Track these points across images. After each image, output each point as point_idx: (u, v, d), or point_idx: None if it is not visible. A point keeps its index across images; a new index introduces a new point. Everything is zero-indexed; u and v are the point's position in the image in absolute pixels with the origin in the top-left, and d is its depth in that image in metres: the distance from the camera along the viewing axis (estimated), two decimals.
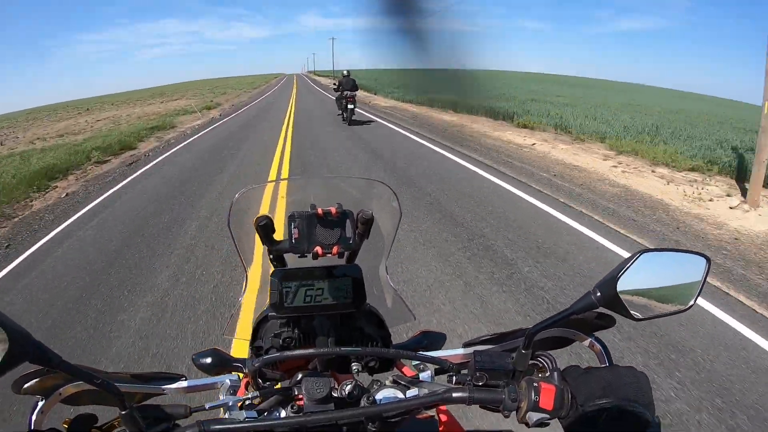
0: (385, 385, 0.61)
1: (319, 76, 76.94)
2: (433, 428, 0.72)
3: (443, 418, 0.75)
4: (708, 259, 0.59)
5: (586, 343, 0.67)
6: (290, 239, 0.69)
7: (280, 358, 0.57)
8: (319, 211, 0.68)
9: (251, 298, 0.84)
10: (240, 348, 1.96)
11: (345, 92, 11.85)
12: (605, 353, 0.64)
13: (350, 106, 11.75)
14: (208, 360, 0.68)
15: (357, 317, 0.74)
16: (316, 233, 0.69)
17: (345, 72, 12.32)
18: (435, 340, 0.74)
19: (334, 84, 13.55)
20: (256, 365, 0.55)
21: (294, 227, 0.68)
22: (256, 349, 0.71)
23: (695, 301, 0.58)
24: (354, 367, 0.67)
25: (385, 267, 0.81)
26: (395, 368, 0.73)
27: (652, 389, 0.55)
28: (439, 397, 0.55)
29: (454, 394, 0.54)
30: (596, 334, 0.67)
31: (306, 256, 0.70)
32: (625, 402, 0.53)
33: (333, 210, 0.69)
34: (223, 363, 0.68)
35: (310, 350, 0.56)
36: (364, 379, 0.63)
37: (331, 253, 0.69)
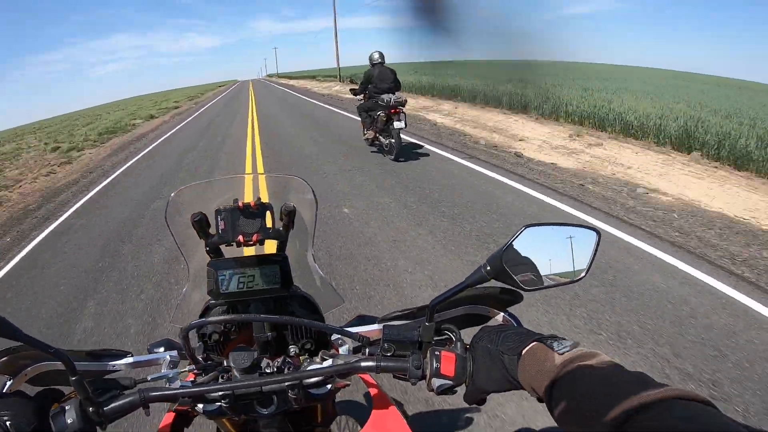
0: (314, 361, 0.68)
1: (294, 78, 61.46)
2: (368, 402, 0.78)
3: (374, 392, 0.82)
4: (598, 233, 0.64)
5: (500, 318, 0.74)
6: (218, 230, 0.78)
7: (202, 323, 0.63)
8: (240, 204, 0.77)
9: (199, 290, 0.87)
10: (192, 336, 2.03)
11: (382, 98, 6.31)
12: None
13: (397, 125, 6.14)
14: (161, 349, 0.75)
15: (290, 302, 0.81)
16: (239, 224, 0.78)
17: (375, 57, 6.60)
18: (369, 321, 0.80)
19: (351, 82, 9.89)
20: (182, 333, 0.61)
21: (220, 220, 0.78)
22: (201, 335, 0.76)
23: (586, 273, 0.63)
24: (291, 350, 0.76)
25: (312, 255, 0.88)
26: (332, 350, 0.79)
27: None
28: (350, 366, 0.62)
29: (363, 363, 0.62)
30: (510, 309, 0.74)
31: (232, 245, 0.78)
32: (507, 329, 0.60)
33: (252, 203, 0.78)
34: (174, 349, 0.75)
35: (231, 316, 0.62)
36: None
37: (251, 240, 0.78)
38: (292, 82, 51.42)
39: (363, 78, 6.84)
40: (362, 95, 7.12)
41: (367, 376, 0.81)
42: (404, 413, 0.77)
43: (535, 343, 0.55)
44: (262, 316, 0.63)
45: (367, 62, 6.83)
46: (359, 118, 7.65)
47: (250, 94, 31.22)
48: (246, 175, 1.32)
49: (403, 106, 6.31)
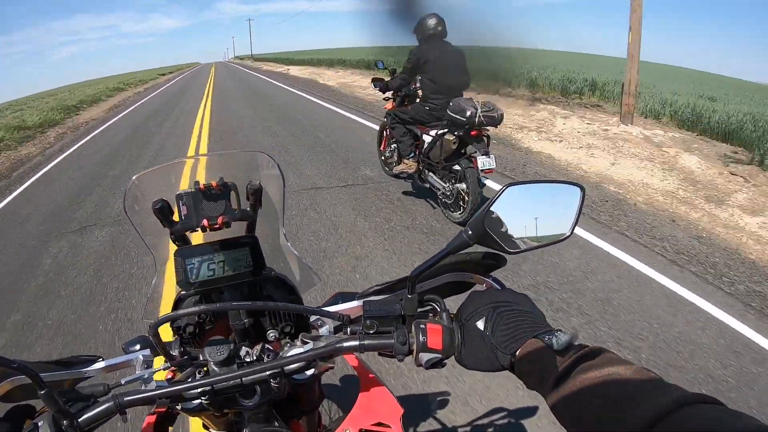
0: (294, 345, 0.66)
1: (271, 63, 47.08)
2: (355, 386, 0.78)
3: (359, 372, 0.81)
4: (582, 188, 0.62)
5: (485, 284, 0.72)
6: (180, 216, 0.73)
7: (171, 317, 0.60)
8: (201, 186, 0.73)
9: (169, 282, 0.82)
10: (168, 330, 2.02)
11: (455, 106, 3.58)
12: None
13: (481, 162, 3.59)
14: (137, 347, 0.72)
15: (264, 285, 0.78)
16: (202, 207, 0.74)
17: (430, 24, 3.88)
18: (348, 298, 0.78)
19: (384, 69, 5.11)
20: (152, 330, 0.58)
21: (182, 205, 0.73)
22: (176, 329, 0.73)
23: (572, 230, 0.62)
24: (270, 335, 0.73)
25: (284, 234, 0.85)
26: (313, 331, 0.77)
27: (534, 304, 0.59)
28: (332, 348, 0.59)
29: (346, 344, 0.59)
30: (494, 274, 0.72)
31: (197, 231, 0.74)
32: (500, 304, 0.58)
33: (214, 183, 0.74)
34: (150, 346, 0.72)
35: (200, 307, 0.58)
36: None
37: (216, 224, 0.74)
38: (282, 69, 32.32)
39: (408, 62, 3.97)
40: (393, 93, 4.48)
41: (351, 357, 0.79)
42: (394, 396, 0.76)
43: (532, 340, 0.52)
44: (233, 303, 0.61)
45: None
46: (382, 130, 5.00)
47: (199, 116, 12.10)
48: (207, 155, 1.28)
49: (497, 124, 3.46)
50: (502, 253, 0.61)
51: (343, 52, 38.22)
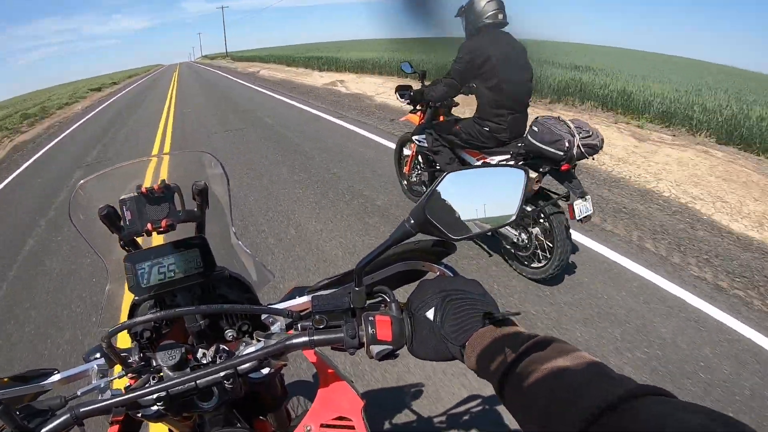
0: (249, 344, 0.67)
1: (256, 63, 34.59)
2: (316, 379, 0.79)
3: (318, 368, 0.81)
4: (526, 171, 0.63)
5: (437, 271, 0.73)
6: (125, 222, 0.74)
7: (123, 327, 0.60)
8: (144, 189, 0.74)
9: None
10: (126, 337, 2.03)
11: (549, 135, 2.56)
12: None
13: (578, 209, 2.68)
14: (97, 355, 0.72)
15: (218, 286, 0.79)
16: (146, 211, 0.75)
17: (488, 9, 2.85)
18: (303, 294, 0.79)
19: (418, 75, 3.73)
20: (105, 341, 0.59)
21: (126, 210, 0.74)
22: (133, 335, 0.73)
23: (516, 215, 0.62)
24: (228, 334, 0.74)
25: (234, 234, 0.85)
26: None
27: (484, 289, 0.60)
28: (282, 345, 0.60)
29: (296, 340, 0.60)
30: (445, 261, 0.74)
31: (143, 235, 0.75)
32: (449, 293, 0.58)
33: (156, 187, 0.75)
34: (116, 358, 0.71)
35: (149, 315, 0.59)
36: None
37: (161, 227, 0.74)
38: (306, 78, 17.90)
39: (458, 62, 2.95)
40: (423, 104, 3.60)
41: (309, 352, 0.80)
42: (355, 390, 0.77)
43: (480, 330, 0.53)
44: (178, 310, 0.60)
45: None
46: (401, 147, 4.24)
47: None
48: (152, 158, 1.27)
49: (597, 151, 2.63)
50: (450, 241, 0.62)
51: (339, 47, 35.05)
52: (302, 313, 0.66)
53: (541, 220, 2.80)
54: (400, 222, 0.59)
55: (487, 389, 2.00)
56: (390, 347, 0.58)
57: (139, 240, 0.78)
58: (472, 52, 2.86)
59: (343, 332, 0.59)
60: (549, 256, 2.79)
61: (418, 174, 4.07)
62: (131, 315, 0.77)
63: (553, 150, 2.54)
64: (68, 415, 0.54)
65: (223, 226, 0.84)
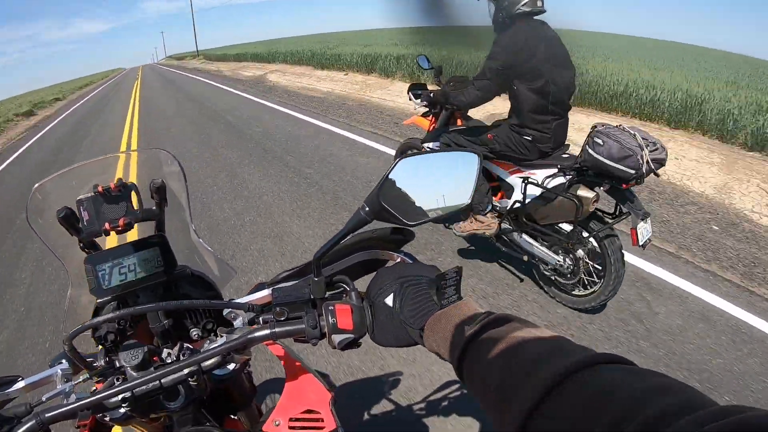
0: (213, 341, 0.71)
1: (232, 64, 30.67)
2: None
3: (284, 362, 0.86)
4: (478, 155, 0.69)
5: (397, 258, 0.78)
6: (82, 222, 0.77)
7: (80, 331, 0.63)
8: (100, 189, 0.77)
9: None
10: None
11: (618, 145, 2.29)
12: None
13: (642, 234, 2.46)
14: (63, 362, 0.75)
15: (181, 284, 0.83)
16: (103, 211, 0.78)
17: None
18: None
19: (436, 72, 3.52)
20: (66, 344, 0.62)
21: (83, 210, 0.77)
22: (97, 339, 0.77)
23: (471, 197, 0.68)
24: (193, 333, 0.79)
25: (194, 231, 0.89)
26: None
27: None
28: (244, 339, 0.64)
29: (257, 333, 0.64)
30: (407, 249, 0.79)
31: (101, 235, 0.78)
32: (407, 278, 0.62)
33: (112, 185, 0.78)
34: (79, 360, 0.74)
35: (108, 315, 0.62)
36: None
37: (119, 226, 0.78)
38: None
39: (493, 59, 2.61)
40: (443, 107, 3.34)
41: (275, 346, 0.85)
42: (331, 384, 0.82)
43: (437, 312, 0.57)
44: (137, 308, 0.63)
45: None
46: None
47: None
48: (111, 156, 1.29)
49: (663, 165, 2.40)
50: (401, 226, 0.66)
51: (339, 40, 33.05)
52: (263, 307, 0.71)
53: (590, 243, 2.62)
54: (355, 210, 0.63)
55: None
56: (351, 336, 0.62)
57: (102, 241, 0.82)
58: (513, 47, 2.53)
59: (305, 323, 0.63)
60: (597, 282, 2.64)
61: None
62: (95, 317, 0.81)
63: (623, 168, 2.28)
64: (33, 421, 0.56)
65: (183, 224, 0.89)
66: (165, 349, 0.69)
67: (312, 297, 0.66)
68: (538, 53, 2.51)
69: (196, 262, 0.88)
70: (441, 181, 0.66)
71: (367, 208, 0.62)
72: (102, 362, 0.70)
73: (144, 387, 0.60)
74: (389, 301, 0.61)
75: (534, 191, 2.71)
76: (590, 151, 2.38)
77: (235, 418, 0.89)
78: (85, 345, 0.71)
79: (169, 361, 0.67)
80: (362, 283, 0.70)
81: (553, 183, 2.63)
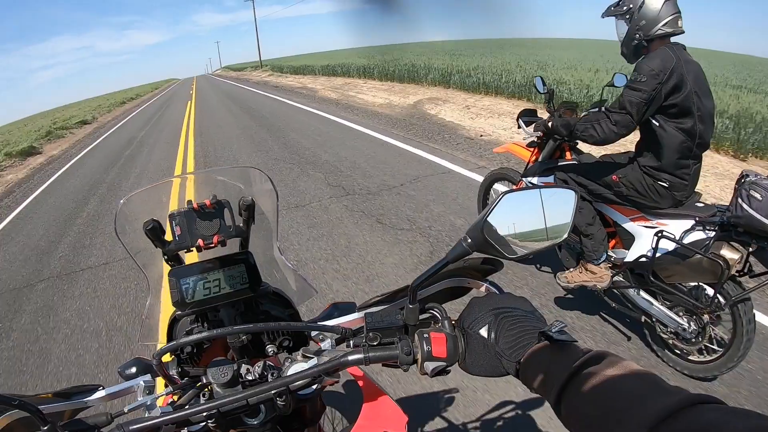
0: (296, 360, 0.75)
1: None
2: (357, 393, 0.89)
3: (361, 383, 0.91)
4: (576, 192, 0.73)
5: (482, 288, 0.82)
6: (174, 237, 0.84)
7: (174, 347, 0.69)
8: (195, 205, 0.84)
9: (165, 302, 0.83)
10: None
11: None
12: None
13: None
14: (133, 370, 0.82)
15: (261, 301, 0.88)
16: (196, 227, 0.84)
17: (663, 13, 2.34)
18: (345, 309, 0.88)
19: (551, 101, 3.23)
20: (155, 360, 0.67)
21: (176, 225, 0.84)
22: (173, 351, 0.81)
23: (568, 233, 0.72)
24: (269, 349, 0.83)
25: (278, 249, 0.96)
26: (312, 343, 0.86)
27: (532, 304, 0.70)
28: (336, 362, 0.68)
29: (350, 357, 0.68)
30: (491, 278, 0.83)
31: (192, 251, 0.85)
32: (502, 310, 0.66)
33: (207, 202, 0.84)
34: (147, 369, 0.82)
35: (204, 334, 0.67)
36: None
37: (212, 243, 0.84)
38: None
39: (639, 89, 2.33)
40: (555, 138, 3.16)
41: (354, 369, 0.88)
42: (398, 405, 0.85)
43: (537, 345, 0.60)
44: (235, 328, 0.68)
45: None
46: (489, 187, 3.92)
47: None
48: (195, 173, 1.39)
49: None
50: (500, 258, 0.70)
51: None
52: (355, 331, 0.75)
53: (719, 308, 2.40)
54: (457, 241, 0.68)
55: (516, 393, 2.25)
56: (444, 363, 0.66)
57: (184, 256, 0.88)
58: (661, 75, 2.29)
59: (399, 349, 0.67)
60: (719, 350, 2.47)
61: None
62: (170, 329, 0.88)
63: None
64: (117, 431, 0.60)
65: (266, 241, 0.95)
66: (244, 365, 0.74)
67: (405, 323, 0.70)
68: (687, 84, 2.32)
69: (276, 278, 0.94)
70: (539, 216, 0.70)
71: (469, 240, 0.66)
72: (174, 373, 0.75)
73: (230, 405, 0.65)
74: (484, 332, 0.65)
75: (666, 245, 2.45)
76: (745, 206, 2.15)
77: None
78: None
79: (250, 378, 0.71)
80: (449, 309, 0.74)
81: (690, 238, 2.40)
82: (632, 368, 0.52)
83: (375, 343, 0.70)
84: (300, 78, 28.91)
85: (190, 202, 0.84)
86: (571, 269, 3.01)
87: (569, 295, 3.31)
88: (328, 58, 38.53)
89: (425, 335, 0.67)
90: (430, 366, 0.66)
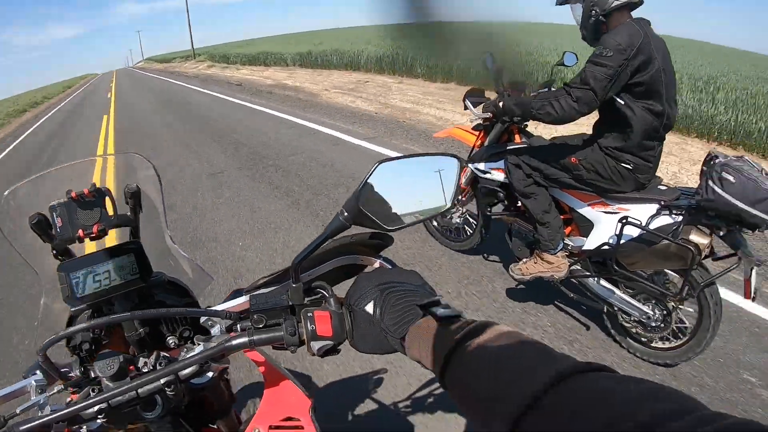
0: (191, 349, 0.77)
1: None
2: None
3: (262, 369, 0.93)
4: (458, 158, 0.76)
5: (376, 264, 0.86)
6: (55, 229, 0.84)
7: (56, 340, 0.68)
8: (74, 194, 0.84)
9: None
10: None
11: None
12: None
13: (755, 284, 2.38)
14: (37, 373, 0.81)
15: (156, 292, 0.89)
16: (77, 217, 0.85)
17: None
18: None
19: (498, 76, 3.08)
20: (40, 355, 0.68)
21: (56, 216, 0.84)
22: (72, 348, 0.82)
23: (452, 201, 0.76)
24: (170, 341, 0.85)
25: (170, 237, 0.98)
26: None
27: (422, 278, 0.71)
28: (221, 348, 0.70)
29: (235, 341, 0.70)
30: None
31: (76, 242, 0.85)
32: (388, 285, 0.68)
33: (86, 191, 0.85)
34: (53, 371, 0.80)
35: (82, 325, 0.67)
36: None
37: (92, 233, 0.85)
38: None
39: (605, 63, 2.29)
40: (503, 120, 3.11)
41: (253, 353, 0.91)
42: (302, 389, 0.88)
43: (420, 321, 0.63)
44: (112, 317, 0.68)
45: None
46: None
47: None
48: (86, 160, 1.36)
49: None
50: (385, 232, 0.73)
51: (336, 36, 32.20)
52: (241, 314, 0.77)
53: (690, 295, 2.44)
54: (334, 215, 0.70)
55: None
56: (331, 342, 0.68)
57: (78, 249, 0.88)
58: (629, 49, 2.27)
59: (283, 330, 0.69)
60: (685, 336, 2.60)
61: (462, 215, 3.71)
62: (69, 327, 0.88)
63: (757, 213, 2.10)
64: None
65: (157, 229, 0.96)
66: (141, 358, 0.75)
67: (290, 303, 0.73)
68: (656, 62, 2.33)
69: (172, 268, 0.95)
70: (420, 185, 0.74)
71: (345, 213, 0.69)
72: (77, 372, 0.76)
73: (120, 397, 0.65)
74: (369, 308, 0.67)
75: (631, 232, 2.48)
76: (717, 190, 2.17)
77: (214, 426, 0.95)
78: (60, 355, 0.77)
79: (146, 370, 0.73)
80: (343, 289, 0.76)
81: (656, 223, 2.44)
82: (519, 337, 0.53)
83: (261, 326, 0.72)
84: (263, 70, 23.58)
85: (69, 191, 0.84)
86: (525, 260, 3.01)
87: (521, 286, 3.31)
88: (283, 44, 35.88)
89: (309, 314, 0.69)
90: (316, 345, 0.68)
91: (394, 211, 0.71)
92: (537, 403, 0.43)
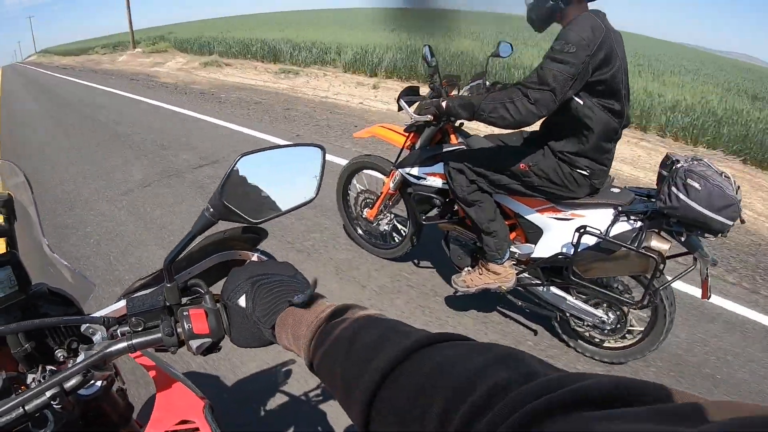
0: (76, 361, 0.79)
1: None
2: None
3: (152, 373, 1.00)
4: (322, 148, 0.86)
5: (254, 257, 0.95)
6: None
7: None
8: None
9: None
10: None
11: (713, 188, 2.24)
12: None
13: (710, 288, 2.61)
14: None
15: (40, 304, 0.94)
16: None
17: None
18: None
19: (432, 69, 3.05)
20: None
21: None
22: None
23: (317, 191, 0.85)
24: (58, 355, 0.88)
25: (48, 245, 1.03)
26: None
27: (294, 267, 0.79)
28: (101, 354, 0.74)
29: (114, 347, 0.75)
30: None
31: None
32: (259, 278, 0.74)
33: None
34: None
35: None
36: None
37: None
38: None
39: (561, 57, 2.26)
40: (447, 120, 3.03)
41: (143, 359, 0.97)
42: (194, 390, 0.96)
43: (287, 309, 0.69)
44: None
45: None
46: (350, 177, 3.93)
47: None
48: None
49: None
50: (252, 225, 0.81)
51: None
52: (120, 319, 0.81)
53: (651, 302, 2.61)
54: (200, 212, 0.76)
55: None
56: (209, 340, 0.75)
57: None
58: (591, 44, 2.27)
59: (161, 332, 0.74)
60: (638, 336, 2.84)
61: (390, 221, 3.82)
62: None
63: (722, 219, 2.23)
64: None
65: (34, 238, 1.01)
66: (30, 375, 0.79)
67: (167, 304, 0.78)
68: (617, 59, 2.36)
69: (53, 277, 0.99)
70: (285, 177, 0.83)
71: (211, 209, 0.75)
72: None
73: (8, 417, 0.67)
74: (242, 302, 0.73)
75: (588, 240, 2.56)
76: (682, 197, 2.27)
77: None
78: None
79: (34, 386, 0.73)
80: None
81: (615, 230, 2.55)
82: (372, 317, 0.60)
83: (140, 329, 0.76)
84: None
85: None
86: (468, 270, 3.09)
87: (459, 293, 3.29)
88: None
89: (185, 313, 0.74)
90: (195, 344, 0.74)
91: (260, 203, 0.78)
92: (385, 380, 0.47)
